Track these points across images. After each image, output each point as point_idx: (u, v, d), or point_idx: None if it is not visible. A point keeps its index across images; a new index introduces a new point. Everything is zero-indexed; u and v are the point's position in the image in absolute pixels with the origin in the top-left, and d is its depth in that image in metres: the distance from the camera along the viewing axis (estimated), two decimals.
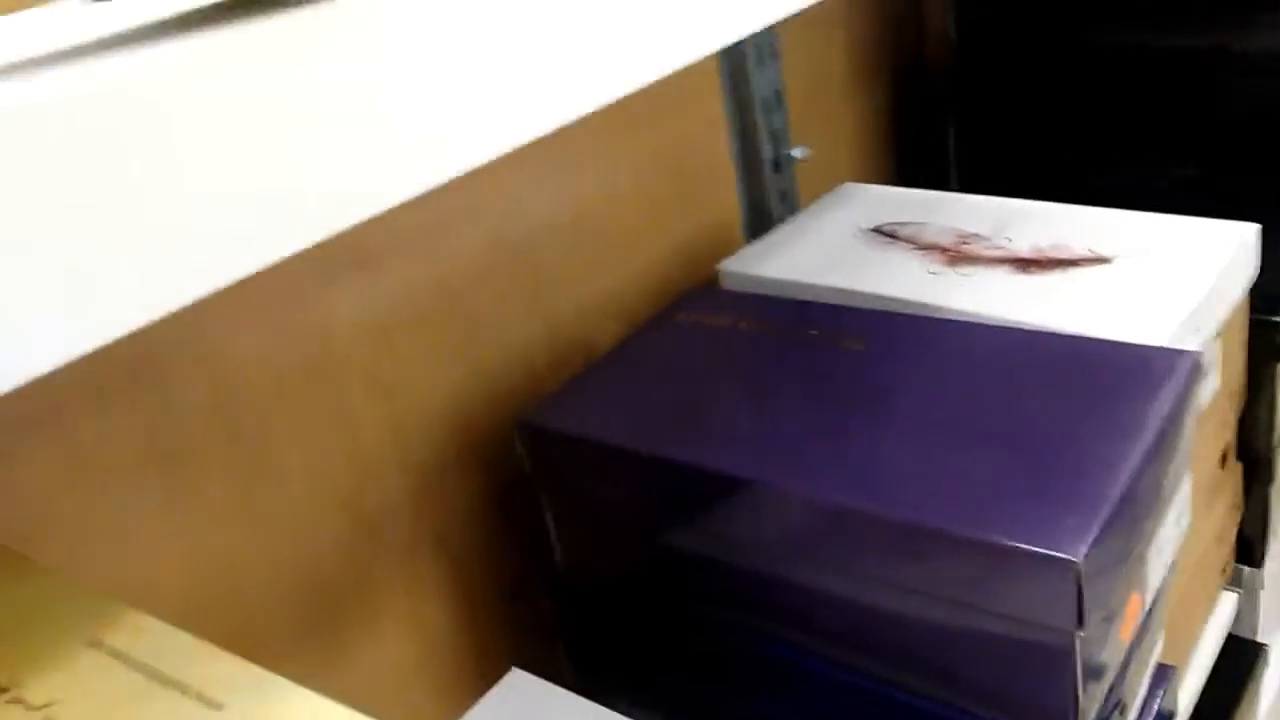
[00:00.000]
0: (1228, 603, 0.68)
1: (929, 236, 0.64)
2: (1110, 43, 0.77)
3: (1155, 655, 0.55)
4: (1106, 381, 0.47)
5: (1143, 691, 0.54)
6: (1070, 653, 0.41)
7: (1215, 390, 0.58)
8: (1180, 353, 0.48)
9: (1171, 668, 0.56)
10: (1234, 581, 0.70)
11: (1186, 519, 0.53)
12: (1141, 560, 0.46)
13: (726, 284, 0.65)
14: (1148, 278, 0.55)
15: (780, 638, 0.50)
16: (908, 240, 0.64)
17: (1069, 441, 0.44)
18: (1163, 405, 0.45)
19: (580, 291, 0.66)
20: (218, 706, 0.26)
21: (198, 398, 0.48)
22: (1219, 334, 0.57)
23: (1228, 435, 0.62)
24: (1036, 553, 0.39)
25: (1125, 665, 0.48)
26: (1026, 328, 0.53)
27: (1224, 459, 0.63)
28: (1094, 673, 0.43)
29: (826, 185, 0.76)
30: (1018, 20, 0.81)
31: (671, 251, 0.72)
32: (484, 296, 0.60)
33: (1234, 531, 0.68)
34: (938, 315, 0.56)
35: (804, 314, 0.58)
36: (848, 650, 0.47)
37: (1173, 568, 0.52)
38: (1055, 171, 0.83)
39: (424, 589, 0.58)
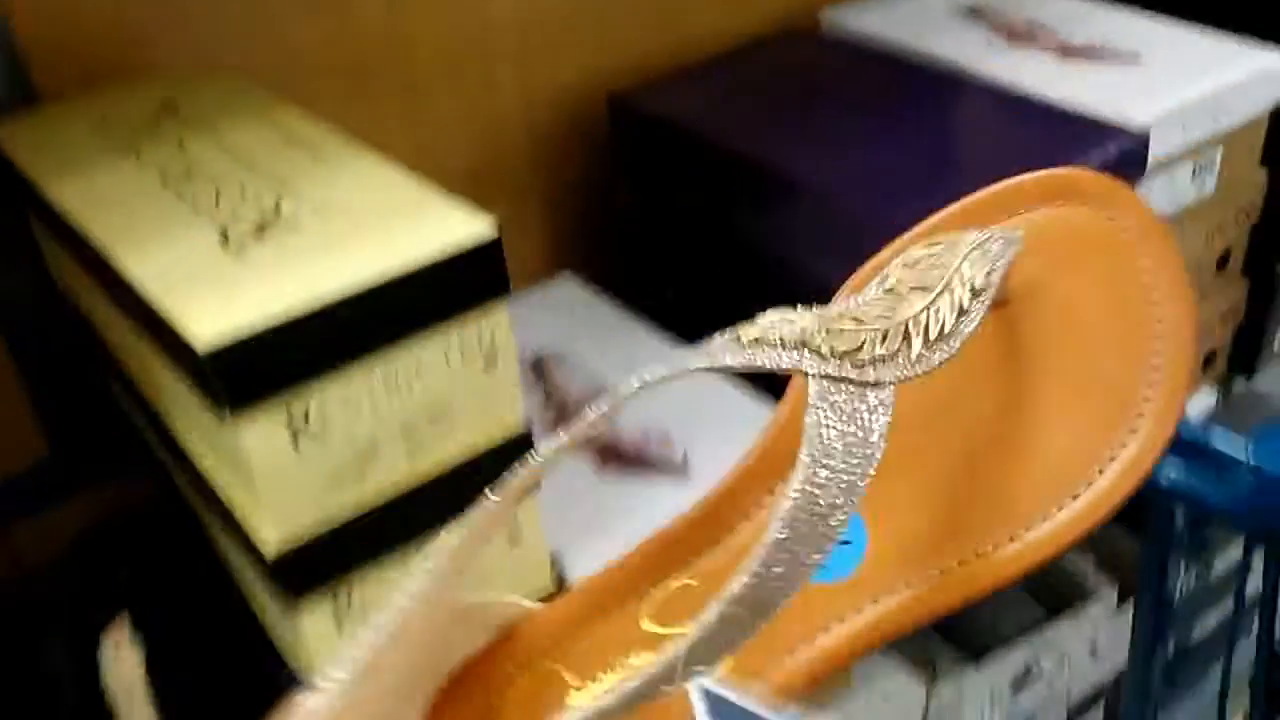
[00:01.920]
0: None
1: (1006, 19, 0.73)
2: None
3: None
4: (1059, 142, 0.58)
5: None
6: None
7: (1208, 194, 0.67)
8: (1123, 132, 0.58)
9: None
10: (1225, 384, 0.79)
11: None
12: None
13: (825, 30, 0.77)
14: (1160, 78, 0.64)
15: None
16: (990, 20, 0.73)
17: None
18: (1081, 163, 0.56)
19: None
20: None
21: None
22: (1220, 141, 0.65)
23: (1224, 243, 0.71)
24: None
25: None
26: (1033, 97, 0.63)
27: (1220, 265, 0.72)
28: None
29: None
30: None
31: None
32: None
33: (1223, 336, 0.76)
34: (976, 79, 0.67)
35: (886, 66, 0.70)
36: None
37: None
38: None
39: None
